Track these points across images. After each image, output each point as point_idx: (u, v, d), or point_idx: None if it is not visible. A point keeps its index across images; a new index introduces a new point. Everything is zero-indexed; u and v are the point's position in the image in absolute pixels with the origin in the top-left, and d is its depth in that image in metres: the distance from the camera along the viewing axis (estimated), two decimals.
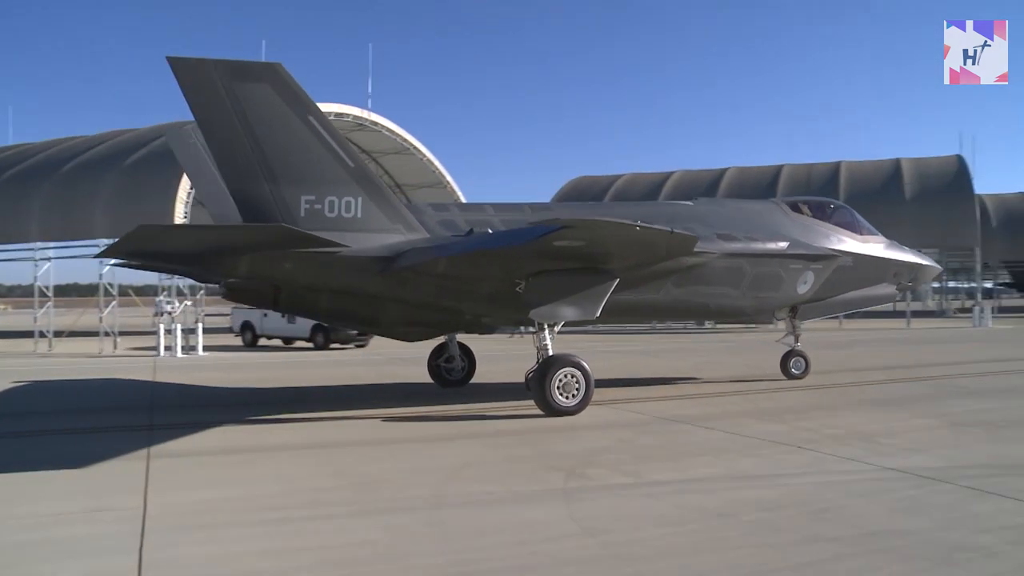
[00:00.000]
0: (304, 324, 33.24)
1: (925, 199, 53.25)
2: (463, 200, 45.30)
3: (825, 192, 53.25)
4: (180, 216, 32.77)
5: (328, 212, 14.38)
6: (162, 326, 31.20)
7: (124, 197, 35.56)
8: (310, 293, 15.77)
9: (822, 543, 6.71)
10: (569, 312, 14.87)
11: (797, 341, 19.54)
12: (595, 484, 8.96)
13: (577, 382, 14.41)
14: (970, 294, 67.55)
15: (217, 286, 18.41)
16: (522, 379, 17.15)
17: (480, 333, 18.44)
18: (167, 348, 30.40)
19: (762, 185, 56.57)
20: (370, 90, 44.91)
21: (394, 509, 8.03)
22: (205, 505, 8.25)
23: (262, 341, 36.43)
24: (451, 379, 19.18)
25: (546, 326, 15.02)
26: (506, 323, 18.95)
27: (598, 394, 14.51)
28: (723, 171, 59.77)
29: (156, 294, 34.63)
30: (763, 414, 13.87)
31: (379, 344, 33.24)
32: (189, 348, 31.29)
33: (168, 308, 32.45)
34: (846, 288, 19.06)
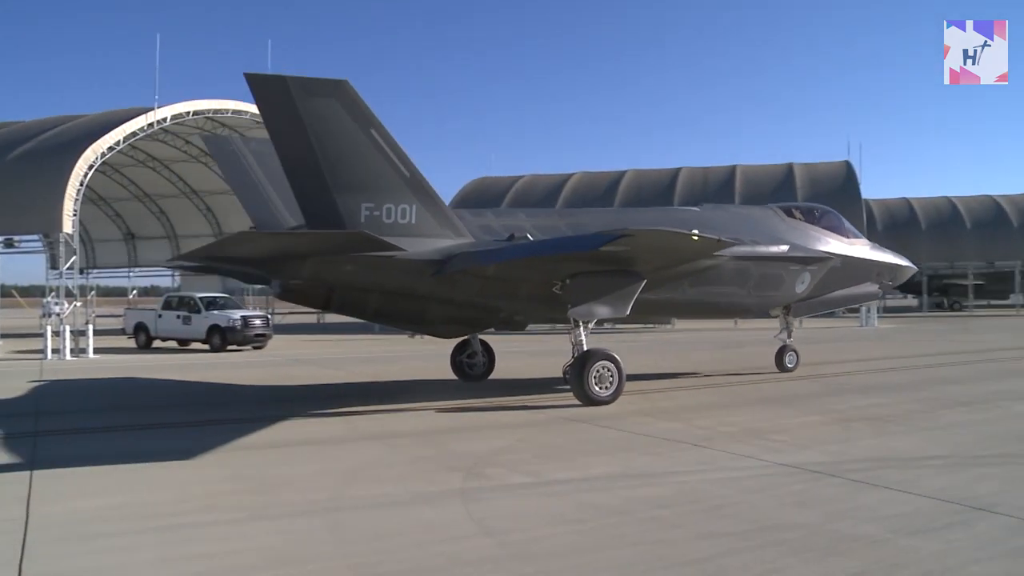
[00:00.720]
0: (200, 326, 32.47)
1: (815, 202, 54.92)
2: None
3: (721, 194, 54.55)
4: (70, 213, 31.51)
5: (386, 218, 15.28)
6: (49, 328, 30.07)
7: (8, 192, 34.01)
8: (363, 294, 16.74)
9: (716, 538, 6.87)
10: (603, 311, 15.99)
11: (790, 337, 20.96)
12: (494, 484, 9.00)
13: (611, 374, 15.47)
14: None
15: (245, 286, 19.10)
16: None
17: (511, 330, 19.73)
18: (55, 351, 29.20)
19: (660, 187, 57.50)
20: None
21: (292, 513, 7.91)
22: (93, 513, 7.97)
23: (156, 343, 35.41)
24: (472, 374, 20.01)
25: (582, 323, 15.96)
26: (538, 320, 20.67)
27: (505, 393, 14.67)
28: (622, 173, 60.57)
29: (43, 295, 33.43)
30: (661, 413, 14.14)
31: (275, 346, 32.79)
32: (79, 350, 30.17)
33: (56, 309, 31.32)
34: (836, 287, 20.54)
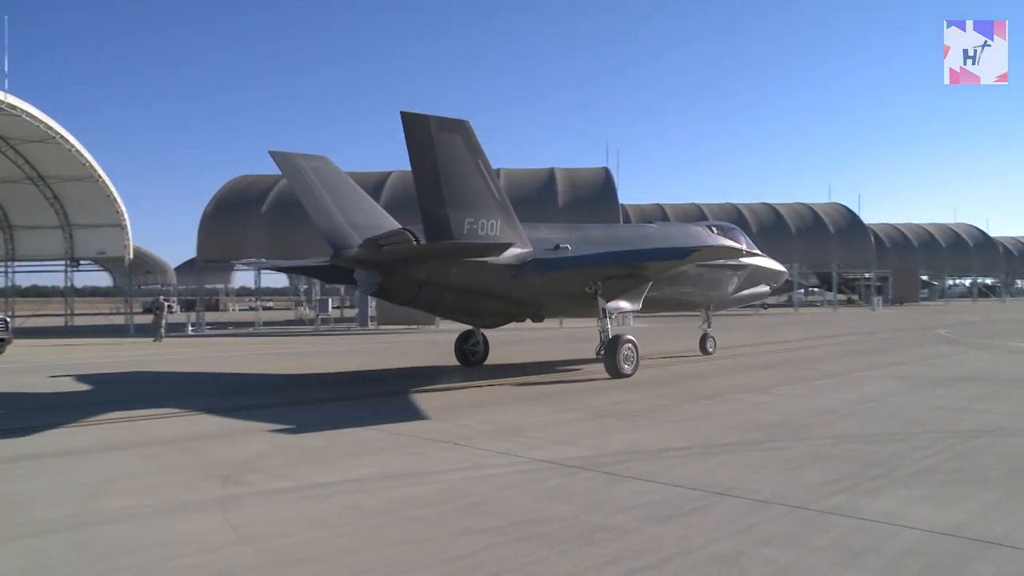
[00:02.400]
0: None
1: (576, 207, 57.01)
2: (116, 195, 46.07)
3: None
4: None
5: (480, 231, 17.92)
6: None
7: None
8: (445, 291, 19.44)
9: (476, 534, 7.00)
10: (626, 305, 20.76)
11: (710, 327, 26.10)
12: (254, 490, 8.74)
13: (633, 354, 19.74)
14: None
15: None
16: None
17: (534, 321, 23.02)
18: None
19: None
20: (7, 69, 40.66)
21: (35, 532, 7.34)
22: None
23: None
24: (473, 360, 23.33)
25: (610, 315, 20.21)
26: (561, 315, 26.10)
27: (265, 395, 14.29)
28: (387, 174, 60.35)
29: None
30: (424, 413, 14.23)
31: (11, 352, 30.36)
32: None
33: None
34: (746, 288, 25.93)
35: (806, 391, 16.66)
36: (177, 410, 14.86)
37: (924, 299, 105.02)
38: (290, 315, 77.19)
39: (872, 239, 79.56)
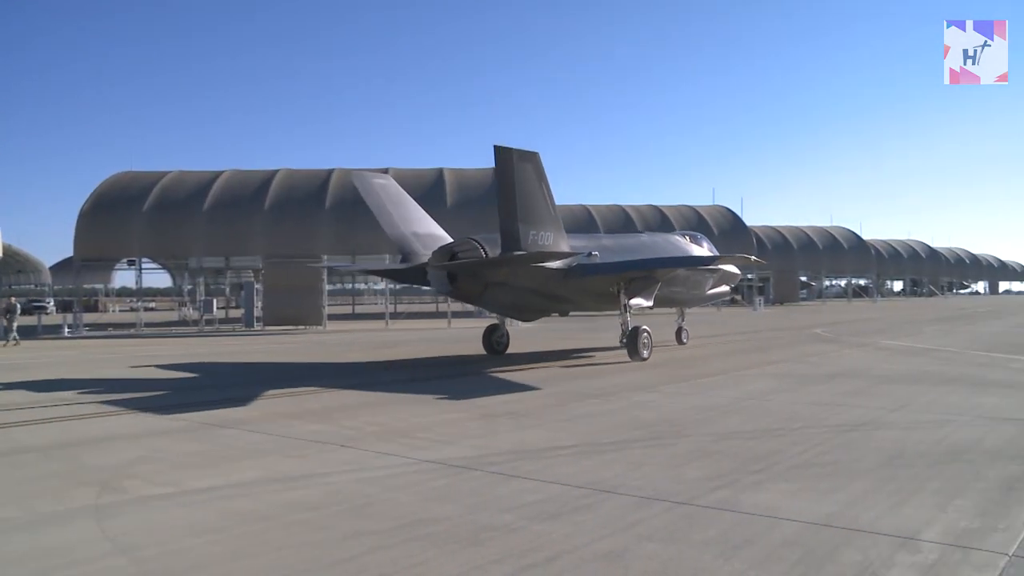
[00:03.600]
0: None
1: (464, 207, 57.10)
2: None
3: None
4: None
5: (540, 241, 21.25)
6: None
7: None
8: (506, 290, 22.76)
9: (363, 537, 6.93)
10: (642, 302, 24.90)
11: (684, 320, 30.41)
12: (131, 497, 8.45)
13: (649, 340, 23.65)
14: None
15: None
16: None
17: (561, 315, 30.65)
18: None
19: (313, 187, 57.01)
20: None
21: None
22: None
23: None
24: (498, 350, 26.82)
25: (629, 311, 24.26)
26: (587, 310, 28.65)
27: (132, 400, 13.84)
28: (274, 172, 59.26)
29: None
30: (309, 414, 14.02)
31: None
32: None
33: None
34: (716, 287, 30.14)
35: (690, 389, 17.03)
36: (41, 415, 14.26)
37: (803, 299, 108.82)
38: (173, 316, 75.09)
39: (754, 240, 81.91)
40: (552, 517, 7.44)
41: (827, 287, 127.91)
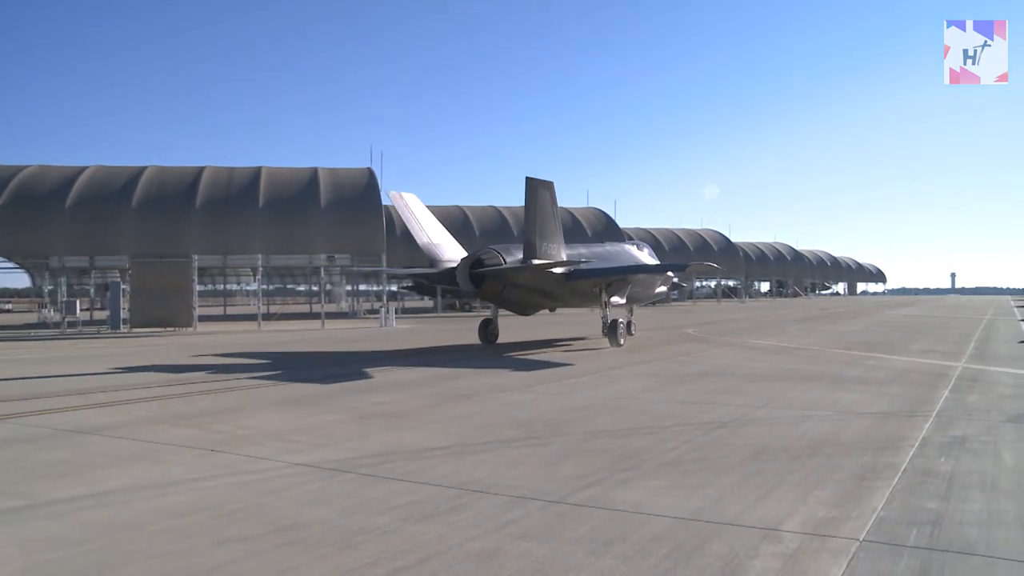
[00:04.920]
0: None
1: (339, 207, 56.55)
2: None
3: (247, 194, 54.22)
4: None
5: (549, 252, 26.39)
6: None
7: None
8: (519, 291, 27.98)
9: (233, 543, 6.79)
10: (618, 300, 30.80)
11: (631, 314, 35.35)
12: None
13: (624, 330, 29.26)
14: (379, 296, 73.04)
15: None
16: None
17: (551, 311, 35.61)
18: None
19: (184, 185, 55.52)
20: None
21: None
22: None
23: None
24: (490, 340, 30.94)
25: (608, 307, 29.61)
26: (571, 306, 32.89)
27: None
28: (142, 169, 57.41)
29: None
30: (178, 419, 13.60)
31: None
32: None
33: None
34: (659, 287, 35.70)
35: (564, 389, 17.27)
36: None
37: (675, 299, 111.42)
38: (33, 318, 71.75)
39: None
40: (426, 518, 7.45)
41: (697, 288, 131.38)
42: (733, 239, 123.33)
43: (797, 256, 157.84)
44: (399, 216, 73.97)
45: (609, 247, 35.94)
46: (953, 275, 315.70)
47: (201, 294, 58.41)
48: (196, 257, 44.37)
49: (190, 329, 42.55)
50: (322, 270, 64.47)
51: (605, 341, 28.88)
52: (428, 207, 32.53)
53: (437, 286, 51.45)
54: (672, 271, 35.35)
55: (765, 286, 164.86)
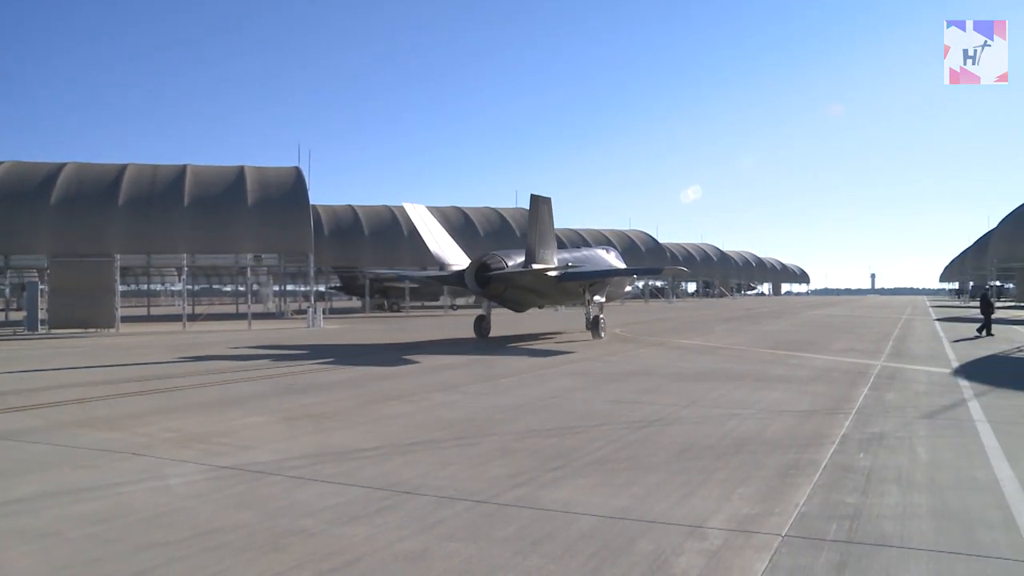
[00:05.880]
0: None
1: (266, 207, 55.80)
2: None
3: (171, 192, 53.30)
4: None
5: (546, 258, 30.58)
6: None
7: None
8: (519, 291, 31.98)
9: (157, 548, 6.66)
10: (599, 298, 34.66)
11: (602, 312, 34.67)
12: None
13: (605, 325, 33.28)
14: (306, 297, 72.32)
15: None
16: None
17: (540, 309, 38.50)
18: None
19: (105, 183, 54.25)
20: None
21: None
22: None
23: None
24: (484, 335, 33.53)
25: (591, 304, 33.93)
26: (558, 304, 40.48)
27: None
28: (61, 166, 55.88)
29: None
30: (100, 422, 13.27)
31: None
32: None
33: None
34: (625, 287, 41.50)
35: (493, 389, 17.31)
36: None
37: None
38: None
39: (555, 243, 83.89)
40: (353, 519, 7.40)
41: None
42: (660, 240, 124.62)
43: (723, 257, 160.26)
44: (327, 216, 74.52)
45: (586, 251, 41.87)
46: (873, 276, 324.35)
47: (124, 294, 57.06)
48: (119, 257, 43.36)
49: (112, 330, 41.57)
50: (249, 270, 63.52)
51: (567, 335, 34.24)
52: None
53: (445, 286, 52.57)
54: (650, 275, 42.12)
55: (692, 287, 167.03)
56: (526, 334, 35.92)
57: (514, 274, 30.96)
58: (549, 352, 26.88)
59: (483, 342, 32.01)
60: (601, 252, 40.63)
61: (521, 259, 31.90)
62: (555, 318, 49.40)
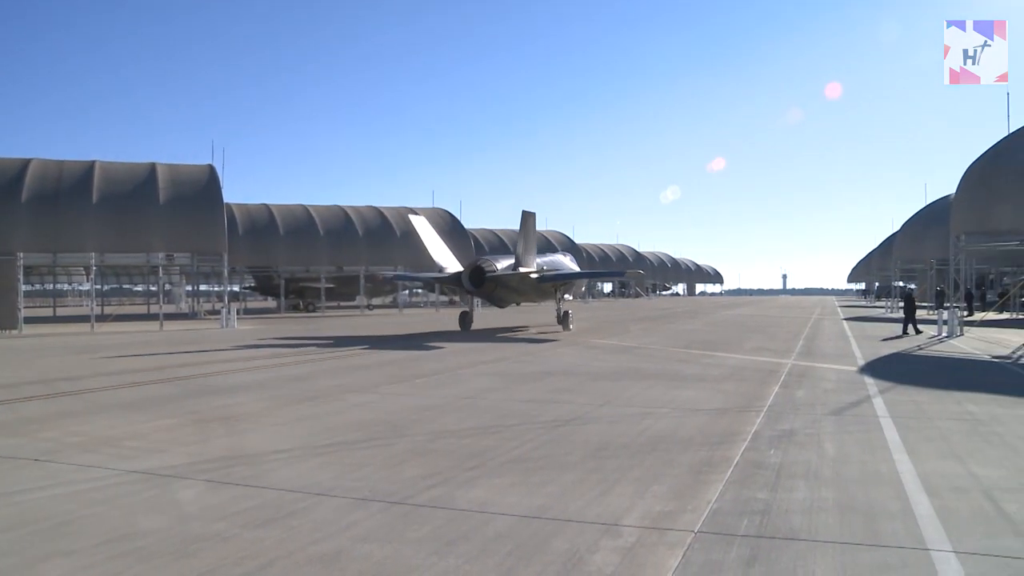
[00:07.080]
0: None
1: (179, 205, 54.56)
2: None
3: (79, 189, 51.90)
4: None
5: (528, 262, 37.80)
6: None
7: None
8: (506, 291, 38.54)
9: (61, 558, 6.47)
10: (569, 297, 43.61)
11: (569, 308, 40.58)
12: None
13: (573, 319, 39.66)
14: (220, 297, 70.97)
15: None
16: None
17: (516, 305, 44.96)
18: None
19: (6, 178, 52.42)
20: None
21: None
22: None
23: None
24: (467, 328, 38.70)
25: (561, 301, 40.97)
26: (533, 301, 44.16)
27: None
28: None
29: None
30: None
31: None
32: None
33: None
34: (582, 287, 52.54)
35: (408, 389, 17.25)
36: None
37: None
38: None
39: (472, 243, 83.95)
40: (266, 523, 7.31)
41: None
42: (577, 240, 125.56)
43: (639, 257, 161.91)
44: (242, 215, 73.29)
45: (551, 257, 46.68)
46: (784, 276, 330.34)
47: (28, 294, 55.32)
48: (21, 255, 41.99)
49: (14, 332, 40.23)
50: (160, 269, 62.09)
51: (523, 332, 38.52)
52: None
53: (439, 285, 57.21)
54: (614, 277, 49.78)
55: (608, 286, 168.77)
56: (502, 327, 41.21)
57: (505, 276, 37.42)
58: (469, 351, 26.97)
59: (461, 334, 36.95)
60: (561, 257, 48.28)
61: (504, 263, 38.29)
62: (517, 313, 53.68)
